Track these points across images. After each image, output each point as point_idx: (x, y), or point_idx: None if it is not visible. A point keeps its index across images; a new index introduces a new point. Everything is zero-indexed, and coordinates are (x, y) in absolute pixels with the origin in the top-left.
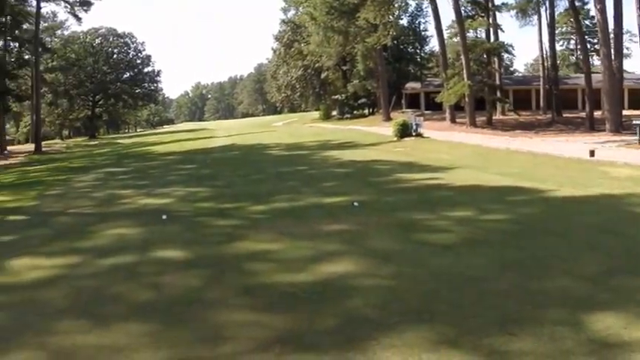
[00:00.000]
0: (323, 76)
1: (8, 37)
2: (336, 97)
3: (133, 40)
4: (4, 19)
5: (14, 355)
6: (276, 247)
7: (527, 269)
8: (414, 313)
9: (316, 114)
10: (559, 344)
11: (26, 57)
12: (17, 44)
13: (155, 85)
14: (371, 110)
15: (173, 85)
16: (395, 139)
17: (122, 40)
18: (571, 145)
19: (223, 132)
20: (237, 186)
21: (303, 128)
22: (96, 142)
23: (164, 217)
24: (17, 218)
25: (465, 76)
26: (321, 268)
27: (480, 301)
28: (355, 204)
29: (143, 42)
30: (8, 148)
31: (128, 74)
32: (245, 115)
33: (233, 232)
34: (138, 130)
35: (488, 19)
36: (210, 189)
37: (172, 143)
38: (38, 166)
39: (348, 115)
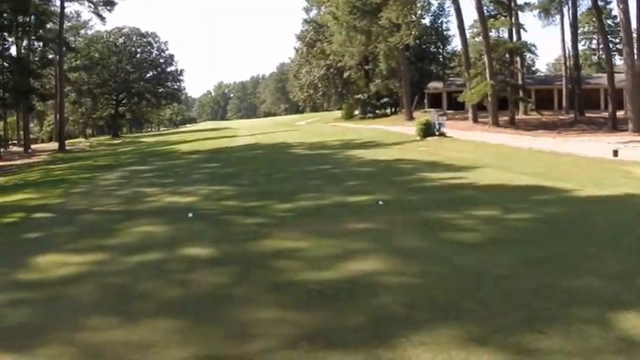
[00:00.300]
0: (345, 75)
1: (32, 37)
2: (359, 96)
3: (156, 39)
4: (28, 19)
5: (44, 350)
6: (302, 245)
7: (552, 268)
8: (442, 310)
9: (338, 113)
10: (587, 342)
11: (50, 56)
12: (41, 44)
13: (178, 84)
14: (393, 110)
15: (196, 85)
16: (418, 138)
17: (145, 40)
18: (594, 145)
19: (246, 131)
20: (261, 184)
21: (325, 127)
22: (119, 141)
23: (190, 215)
24: (43, 216)
25: (487, 75)
26: (348, 266)
27: (507, 300)
28: (380, 203)
29: (166, 41)
30: (32, 146)
31: (151, 73)
32: (267, 115)
33: (259, 230)
34: (161, 129)
35: (511, 19)
36: (235, 187)
37: (195, 142)
38: (62, 165)
39: (371, 115)
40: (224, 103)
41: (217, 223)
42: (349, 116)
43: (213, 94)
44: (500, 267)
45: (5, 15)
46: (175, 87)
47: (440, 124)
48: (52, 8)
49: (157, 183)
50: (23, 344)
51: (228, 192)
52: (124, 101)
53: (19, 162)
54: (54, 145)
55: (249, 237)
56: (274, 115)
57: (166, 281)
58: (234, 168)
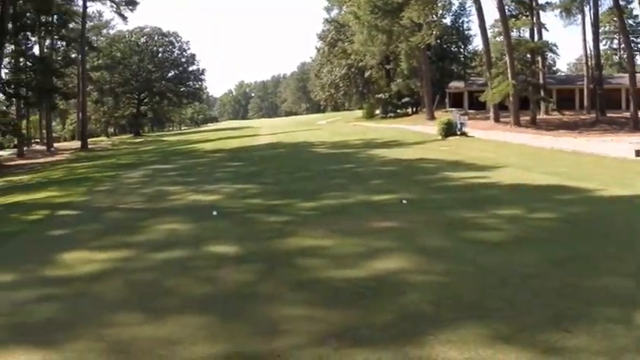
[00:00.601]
0: (366, 74)
1: (55, 36)
2: (380, 95)
3: (178, 39)
4: (51, 19)
5: (72, 345)
6: (327, 243)
7: (576, 267)
8: (468, 309)
9: (359, 113)
10: (613, 341)
11: (73, 56)
12: (64, 43)
13: (199, 83)
14: (414, 109)
15: (217, 84)
16: (439, 137)
17: (167, 39)
18: (616, 145)
19: (267, 130)
20: (284, 183)
21: (347, 127)
22: (141, 140)
23: (214, 213)
24: (68, 213)
25: (509, 75)
26: (373, 264)
27: (533, 298)
28: (404, 201)
29: (188, 41)
30: (54, 144)
31: (173, 73)
32: (288, 114)
33: (283, 228)
34: (182, 128)
35: (532, 18)
36: (258, 186)
37: (217, 141)
38: (85, 163)
39: (392, 114)
40: (245, 103)
41: (242, 221)
42: (370, 116)
43: (234, 94)
44: (524, 266)
45: (28, 15)
46: (197, 86)
47: (462, 124)
48: (75, 8)
49: (180, 181)
50: (51, 340)
51: (252, 190)
52: (145, 100)
53: (42, 160)
54: (76, 143)
55: (274, 235)
56: (295, 114)
57: (192, 278)
58: (257, 167)
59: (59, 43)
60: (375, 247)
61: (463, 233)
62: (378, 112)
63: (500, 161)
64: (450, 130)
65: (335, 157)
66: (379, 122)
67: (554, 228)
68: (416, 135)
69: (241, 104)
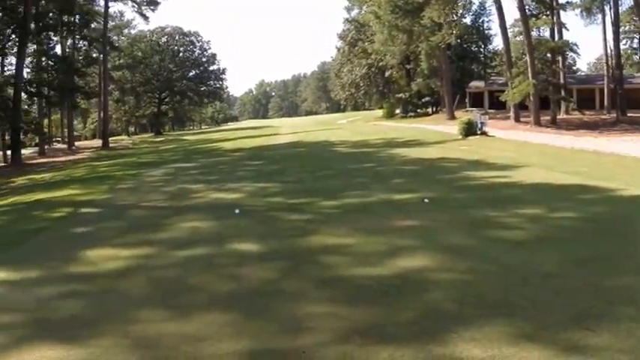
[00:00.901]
0: (387, 74)
1: (77, 36)
2: (400, 95)
3: (199, 38)
4: (73, 19)
5: (97, 341)
6: (349, 241)
7: (598, 266)
8: (491, 307)
9: (379, 112)
10: (636, 340)
11: (94, 55)
12: (86, 43)
13: (220, 82)
14: (434, 109)
15: (238, 83)
16: (460, 137)
17: (188, 39)
18: (637, 145)
19: (288, 129)
20: (306, 182)
21: (367, 126)
22: (162, 139)
23: (237, 211)
24: (91, 211)
25: (529, 75)
26: (396, 262)
27: (555, 297)
28: (426, 200)
29: (209, 41)
30: (76, 143)
31: (194, 72)
32: (308, 113)
33: (306, 227)
34: (202, 127)
35: (553, 18)
36: (280, 184)
37: (238, 140)
38: (107, 161)
39: (412, 114)
40: (265, 102)
41: (264, 220)
42: (390, 115)
43: (254, 93)
44: (546, 265)
45: (51, 15)
46: (217, 85)
47: (482, 123)
48: (97, 8)
49: (202, 180)
50: (76, 336)
51: (274, 189)
52: (166, 99)
53: (63, 159)
54: (97, 142)
55: (297, 233)
56: (315, 113)
57: (216, 275)
58: (279, 165)
59: (81, 42)
60: (397, 245)
61: (485, 232)
62: (398, 111)
63: (521, 161)
64: (470, 129)
65: (356, 156)
66: (399, 122)
67: (575, 227)
68: (436, 134)
69: (261, 103)
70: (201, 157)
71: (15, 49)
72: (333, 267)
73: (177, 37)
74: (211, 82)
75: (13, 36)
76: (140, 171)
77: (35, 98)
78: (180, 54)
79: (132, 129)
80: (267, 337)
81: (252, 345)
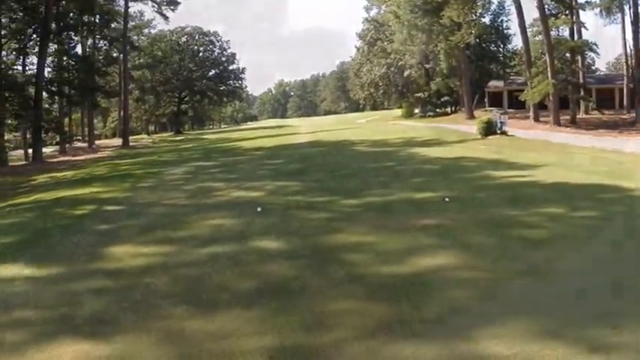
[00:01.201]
0: (406, 74)
1: (97, 36)
2: (419, 95)
3: (218, 38)
4: (93, 18)
5: (122, 337)
6: (371, 239)
7: (620, 265)
8: (514, 304)
9: (398, 112)
10: None
11: (114, 55)
12: (106, 42)
13: (239, 82)
14: (453, 108)
15: (257, 83)
16: (479, 136)
17: (207, 39)
18: None
19: (307, 128)
20: (326, 181)
21: (386, 125)
22: (182, 138)
23: (259, 209)
24: (113, 208)
25: (548, 74)
26: (419, 261)
27: (578, 295)
28: (446, 199)
29: (228, 40)
30: (96, 142)
31: (213, 72)
32: (327, 113)
33: (328, 225)
34: (222, 126)
35: (572, 17)
36: (300, 183)
37: (258, 139)
38: (127, 160)
39: (431, 114)
40: (284, 101)
41: (286, 218)
42: (409, 115)
43: (273, 92)
44: (568, 263)
45: (71, 15)
46: (237, 85)
47: (502, 123)
48: (117, 8)
49: (222, 178)
50: (100, 331)
51: (294, 187)
52: (186, 99)
53: (83, 157)
54: (117, 141)
55: (319, 231)
56: (334, 113)
57: (239, 273)
58: (299, 164)
59: (101, 42)
60: (420, 243)
61: (507, 231)
62: (417, 111)
63: (541, 160)
64: (489, 129)
65: (375, 155)
66: (418, 121)
67: (596, 226)
68: (456, 134)
69: (280, 103)
70: (221, 155)
71: (36, 49)
72: (356, 265)
73: (197, 37)
74: (230, 81)
75: (35, 35)
76: (161, 169)
77: (56, 97)
78: (200, 53)
79: (152, 128)
80: (291, 334)
81: (276, 341)
